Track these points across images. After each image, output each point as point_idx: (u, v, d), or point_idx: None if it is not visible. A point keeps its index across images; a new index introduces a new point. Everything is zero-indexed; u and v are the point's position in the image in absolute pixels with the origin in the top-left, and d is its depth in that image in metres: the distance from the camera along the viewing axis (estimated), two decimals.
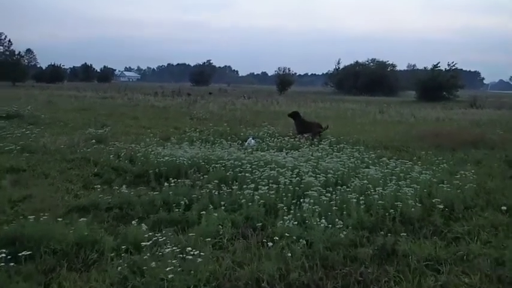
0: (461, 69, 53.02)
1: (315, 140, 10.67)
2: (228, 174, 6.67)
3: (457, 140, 11.26)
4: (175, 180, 6.26)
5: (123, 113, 17.80)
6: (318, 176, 6.46)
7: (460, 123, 17.52)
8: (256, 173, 6.56)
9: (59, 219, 4.75)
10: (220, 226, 5.00)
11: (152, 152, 8.04)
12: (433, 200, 5.69)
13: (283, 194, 5.85)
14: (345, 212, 5.35)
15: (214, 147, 8.97)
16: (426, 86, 47.19)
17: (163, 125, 14.22)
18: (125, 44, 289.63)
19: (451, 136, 11.77)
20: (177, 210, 5.45)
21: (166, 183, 6.24)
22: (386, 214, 5.39)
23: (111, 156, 8.08)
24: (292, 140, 10.19)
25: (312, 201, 5.46)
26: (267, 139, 10.37)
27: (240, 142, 10.00)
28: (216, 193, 5.91)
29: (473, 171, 7.14)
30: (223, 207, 5.45)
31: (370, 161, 8.07)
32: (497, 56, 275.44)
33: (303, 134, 11.09)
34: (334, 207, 5.39)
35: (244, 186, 5.93)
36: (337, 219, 4.96)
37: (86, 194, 6.32)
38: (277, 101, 30.40)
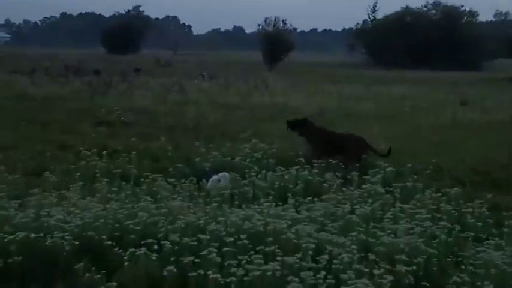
0: None
1: (353, 171, 10.01)
2: (165, 273, 5.74)
3: None
4: None
5: None
6: (373, 270, 5.71)
7: None
8: (234, 270, 5.64)
9: None
10: None
11: None
12: None
13: None
14: None
15: (139, 197, 8.18)
16: None
17: (37, 139, 13.54)
18: None
19: None
20: None
21: None
22: None
23: None
24: (305, 173, 9.58)
25: None
26: (253, 171, 9.76)
27: (196, 181, 9.31)
28: None
29: None
30: None
31: (480, 224, 7.39)
32: None
33: (326, 159, 10.62)
34: None
35: None
36: None
37: None
38: (267, 82, 29.63)
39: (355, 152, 10.96)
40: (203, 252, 5.92)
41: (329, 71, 46.28)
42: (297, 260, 5.78)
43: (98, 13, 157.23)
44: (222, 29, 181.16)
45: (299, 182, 9.15)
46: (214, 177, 9.30)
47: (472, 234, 6.89)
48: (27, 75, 31.07)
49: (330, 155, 10.72)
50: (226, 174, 9.37)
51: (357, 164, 10.56)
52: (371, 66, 60.49)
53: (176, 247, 6.14)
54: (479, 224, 7.27)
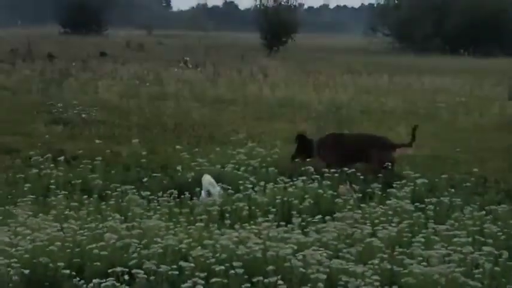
0: None
1: (374, 183, 9.98)
2: None
3: None
4: None
5: None
6: None
7: None
8: None
9: None
10: None
11: None
12: None
13: None
14: None
15: (105, 214, 8.20)
16: None
17: None
18: None
19: None
20: None
21: None
22: None
23: None
24: (314, 185, 9.70)
25: None
26: (249, 183, 9.84)
27: (177, 194, 9.40)
28: None
29: None
30: None
31: None
32: None
33: (340, 166, 10.72)
34: None
35: None
36: None
37: None
38: (266, 71, 30.02)
39: (386, 156, 11.04)
40: (186, 284, 5.94)
41: (344, 57, 46.08)
42: None
43: None
44: (210, 5, 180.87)
45: (306, 196, 9.20)
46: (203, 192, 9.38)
47: None
48: None
49: (345, 164, 10.75)
50: (208, 190, 9.41)
51: (380, 174, 10.60)
52: (397, 52, 60.32)
53: (152, 277, 6.17)
54: None
